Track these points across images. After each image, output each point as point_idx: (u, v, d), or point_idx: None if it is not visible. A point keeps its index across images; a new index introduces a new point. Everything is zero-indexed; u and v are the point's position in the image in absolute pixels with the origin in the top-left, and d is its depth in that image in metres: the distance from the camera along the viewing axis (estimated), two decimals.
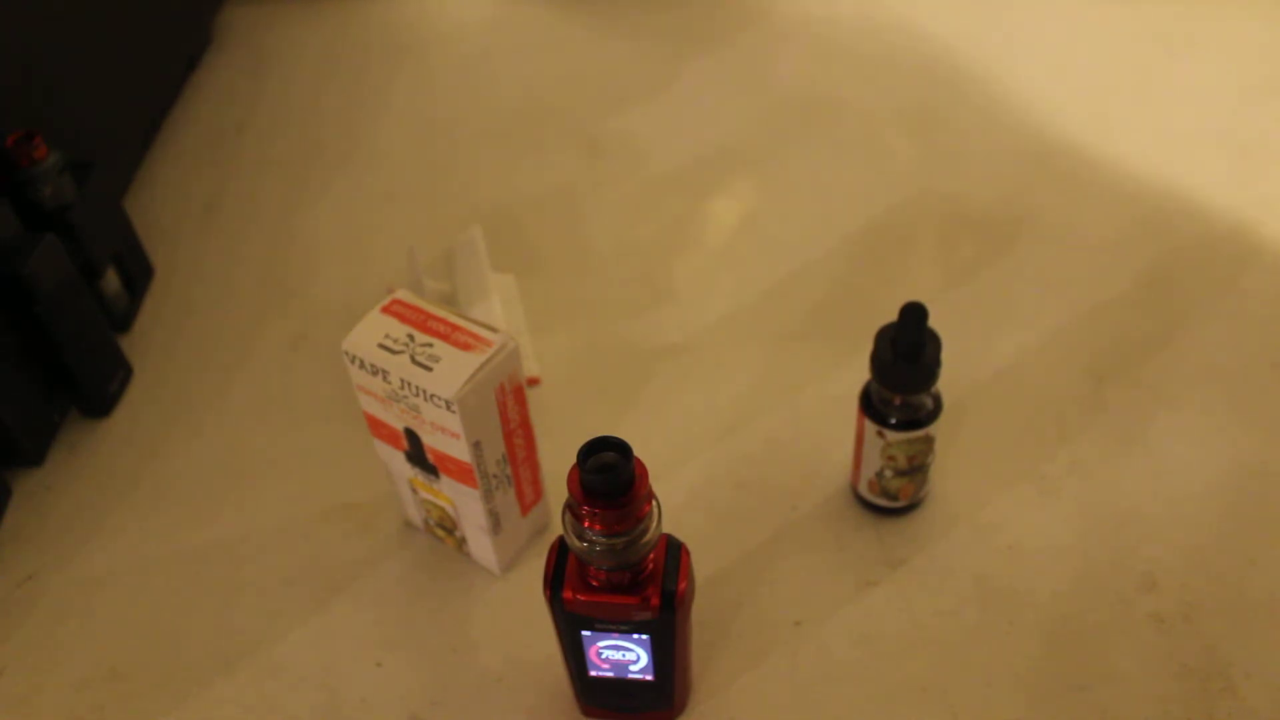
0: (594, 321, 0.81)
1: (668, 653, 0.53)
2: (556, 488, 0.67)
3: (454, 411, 0.55)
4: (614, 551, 0.48)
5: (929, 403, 0.62)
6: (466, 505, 0.62)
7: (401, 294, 0.59)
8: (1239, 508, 0.66)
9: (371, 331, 0.57)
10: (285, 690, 0.62)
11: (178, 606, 0.66)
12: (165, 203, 0.94)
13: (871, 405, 0.62)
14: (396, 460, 0.63)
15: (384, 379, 0.57)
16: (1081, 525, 0.66)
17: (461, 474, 0.59)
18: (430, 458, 0.60)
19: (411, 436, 0.60)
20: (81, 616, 0.66)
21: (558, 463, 0.63)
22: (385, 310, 0.58)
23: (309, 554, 0.68)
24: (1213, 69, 0.99)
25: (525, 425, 0.61)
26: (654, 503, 0.49)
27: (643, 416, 0.74)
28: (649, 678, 0.55)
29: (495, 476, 0.60)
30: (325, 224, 0.91)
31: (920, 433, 0.62)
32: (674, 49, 1.06)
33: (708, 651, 0.61)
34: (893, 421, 0.61)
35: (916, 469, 0.64)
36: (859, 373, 0.66)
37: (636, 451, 0.47)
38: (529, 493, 0.65)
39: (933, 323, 0.59)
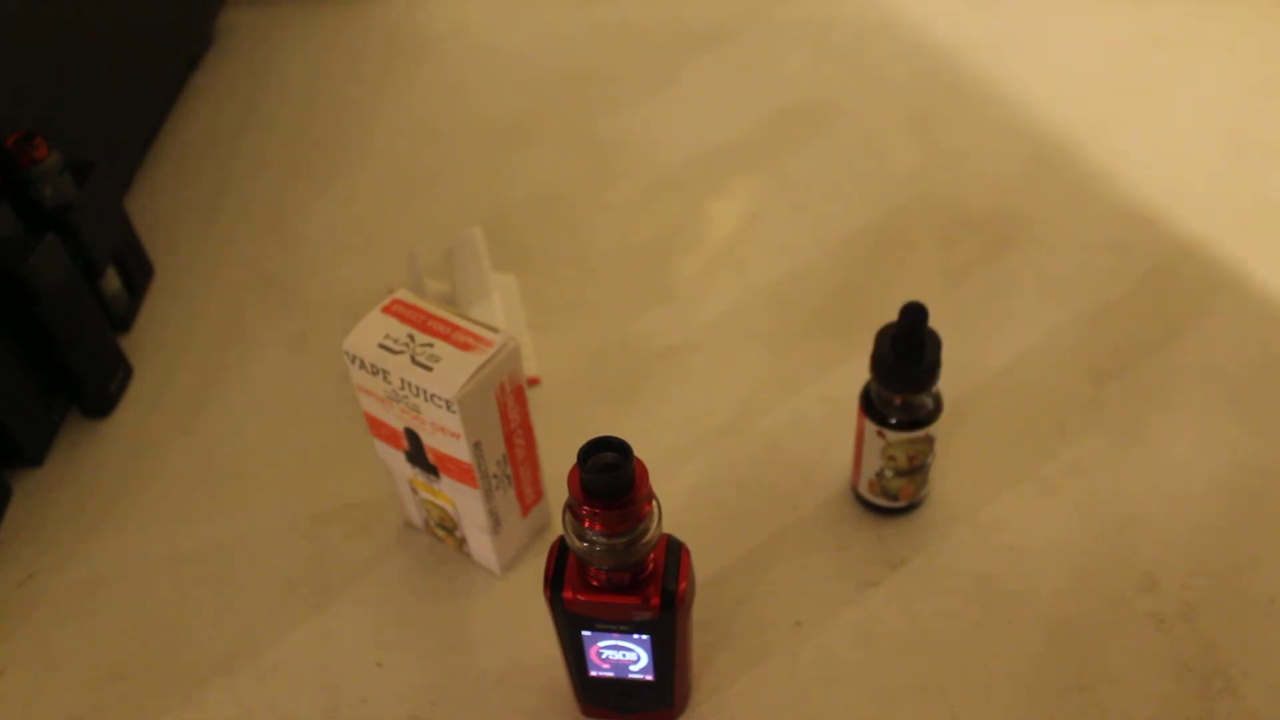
0: (594, 321, 0.81)
1: (668, 653, 0.53)
2: (556, 488, 0.67)
3: (454, 411, 0.55)
4: (614, 552, 0.48)
5: (929, 403, 0.62)
6: (467, 505, 0.62)
7: (401, 294, 0.59)
8: (1239, 508, 0.66)
9: (371, 331, 0.57)
10: (285, 690, 0.62)
11: (178, 606, 0.66)
12: (165, 203, 0.94)
13: (871, 405, 0.62)
14: (396, 460, 0.63)
15: (384, 379, 0.57)
16: (1081, 525, 0.66)
17: (462, 474, 0.59)
18: (430, 458, 0.60)
19: (412, 436, 0.60)
20: (81, 616, 0.66)
21: (558, 463, 0.63)
22: (385, 310, 0.58)
23: (309, 554, 0.68)
24: (1213, 69, 0.99)
25: (525, 425, 0.61)
26: (654, 503, 0.49)
27: (643, 417, 0.74)
28: (649, 678, 0.55)
29: (495, 476, 0.60)
30: (325, 224, 0.91)
31: (920, 433, 0.62)
32: (674, 49, 1.06)
33: (708, 651, 0.61)
34: (893, 421, 0.61)
35: (916, 469, 0.64)
36: (859, 373, 0.66)
37: (636, 452, 0.47)
38: (529, 493, 0.65)
39: (933, 323, 0.59)
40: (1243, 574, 0.63)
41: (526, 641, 0.62)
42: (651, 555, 0.50)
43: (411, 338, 0.57)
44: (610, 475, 0.46)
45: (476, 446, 0.57)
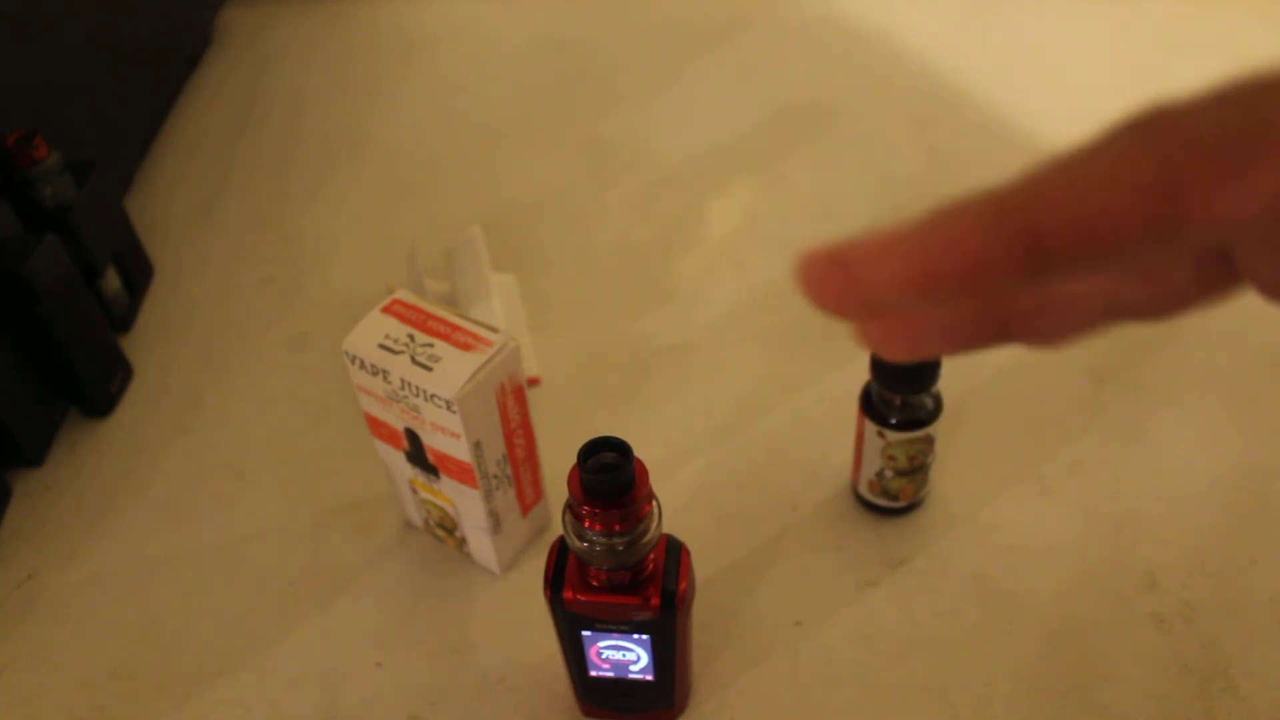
0: (594, 321, 0.81)
1: (668, 653, 0.53)
2: (556, 488, 0.67)
3: (454, 411, 0.55)
4: (614, 552, 0.48)
5: (929, 403, 0.62)
6: (467, 505, 0.62)
7: (401, 294, 0.59)
8: (1239, 507, 0.66)
9: (371, 331, 0.57)
10: (285, 690, 0.62)
11: (178, 606, 0.66)
12: (165, 203, 0.94)
13: (871, 405, 0.62)
14: (396, 460, 0.63)
15: (384, 379, 0.57)
16: (1081, 525, 0.66)
17: (462, 474, 0.59)
18: (430, 458, 0.60)
19: (412, 436, 0.60)
20: (81, 616, 0.66)
21: (558, 463, 0.63)
22: (385, 310, 0.58)
23: (309, 554, 0.68)
24: (1213, 69, 0.99)
25: (525, 425, 0.61)
26: (654, 503, 0.49)
27: (643, 416, 0.74)
28: (649, 678, 0.55)
29: (495, 476, 0.60)
30: (325, 224, 0.91)
31: (920, 433, 0.62)
32: (675, 48, 1.06)
33: (708, 651, 0.61)
34: (893, 421, 0.61)
35: (916, 469, 0.64)
36: (859, 373, 0.66)
37: (636, 451, 0.47)
38: (529, 493, 0.65)
39: None
40: (1243, 574, 0.63)
41: (526, 641, 0.62)
42: (651, 555, 0.50)
43: (411, 338, 0.57)
44: (610, 475, 0.46)
45: (476, 446, 0.57)
